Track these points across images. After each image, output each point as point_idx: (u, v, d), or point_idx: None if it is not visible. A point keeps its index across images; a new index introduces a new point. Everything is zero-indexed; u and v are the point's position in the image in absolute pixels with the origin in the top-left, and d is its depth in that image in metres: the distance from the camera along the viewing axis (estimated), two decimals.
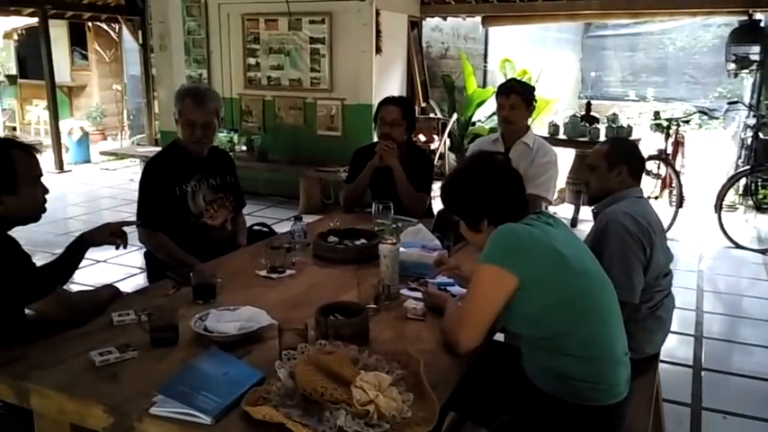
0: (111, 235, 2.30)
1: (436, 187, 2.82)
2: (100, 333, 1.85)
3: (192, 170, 2.81)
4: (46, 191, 1.95)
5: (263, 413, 1.37)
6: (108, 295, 2.08)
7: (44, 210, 1.96)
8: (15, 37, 11.19)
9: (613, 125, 6.08)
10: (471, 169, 1.90)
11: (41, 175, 1.94)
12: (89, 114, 11.78)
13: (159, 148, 7.44)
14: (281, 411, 1.37)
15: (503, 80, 7.33)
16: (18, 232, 1.89)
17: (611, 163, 2.43)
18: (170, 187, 2.75)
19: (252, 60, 7.08)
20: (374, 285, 2.07)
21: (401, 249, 2.25)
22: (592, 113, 6.33)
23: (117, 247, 2.33)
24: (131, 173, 8.53)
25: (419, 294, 2.11)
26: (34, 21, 9.71)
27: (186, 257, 2.66)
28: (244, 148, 7.01)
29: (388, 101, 3.34)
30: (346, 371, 1.41)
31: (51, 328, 1.84)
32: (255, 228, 3.28)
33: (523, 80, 4.94)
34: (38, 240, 5.25)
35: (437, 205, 3.51)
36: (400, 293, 2.14)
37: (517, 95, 3.28)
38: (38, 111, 11.55)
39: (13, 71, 11.97)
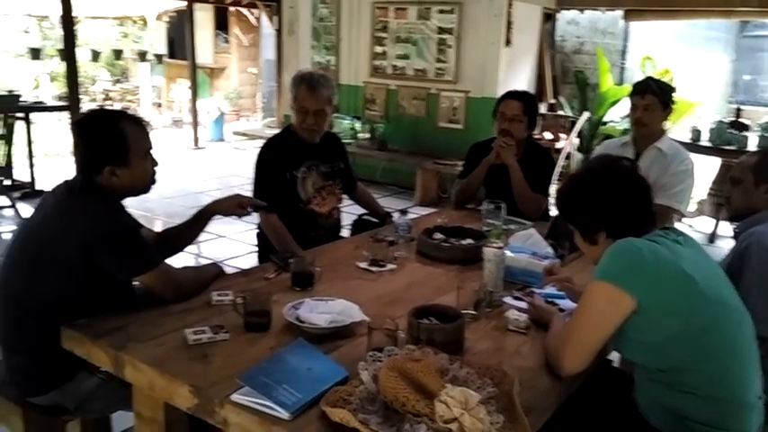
0: (237, 206, 2.34)
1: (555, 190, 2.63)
2: (198, 311, 1.88)
3: (303, 156, 2.82)
4: (155, 163, 1.99)
5: (340, 416, 1.30)
6: (212, 274, 2.11)
7: (154, 181, 2.00)
8: (166, 19, 11.98)
9: (766, 134, 5.46)
10: (591, 174, 1.72)
11: (151, 147, 1.98)
12: (227, 95, 12.43)
13: None
14: (358, 417, 1.30)
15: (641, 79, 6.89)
16: (152, 203, 1.95)
17: (759, 177, 2.13)
18: (281, 172, 2.77)
19: (379, 49, 7.10)
20: (476, 290, 1.94)
21: (508, 254, 2.10)
22: (741, 120, 5.73)
23: (240, 217, 2.37)
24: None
25: (524, 305, 1.95)
26: (183, 4, 10.37)
27: (292, 244, 2.67)
28: (366, 135, 7.05)
29: (510, 95, 3.17)
30: (432, 382, 1.31)
31: (155, 301, 1.89)
32: (364, 217, 3.24)
33: (663, 80, 4.54)
34: (170, 212, 5.60)
35: (555, 209, 3.33)
36: (503, 302, 2.00)
37: (653, 96, 2.99)
38: (181, 89, 12.35)
39: (163, 51, 12.85)
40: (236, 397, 1.41)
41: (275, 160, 2.78)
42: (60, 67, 12.17)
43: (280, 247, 2.69)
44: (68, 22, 5.88)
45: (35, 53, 7.95)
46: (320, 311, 1.80)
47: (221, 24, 12.82)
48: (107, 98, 11.65)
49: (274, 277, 2.18)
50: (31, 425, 1.89)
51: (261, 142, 9.68)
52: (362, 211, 3.27)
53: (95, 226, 1.79)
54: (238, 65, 13.02)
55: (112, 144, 1.85)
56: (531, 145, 3.27)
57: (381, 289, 2.14)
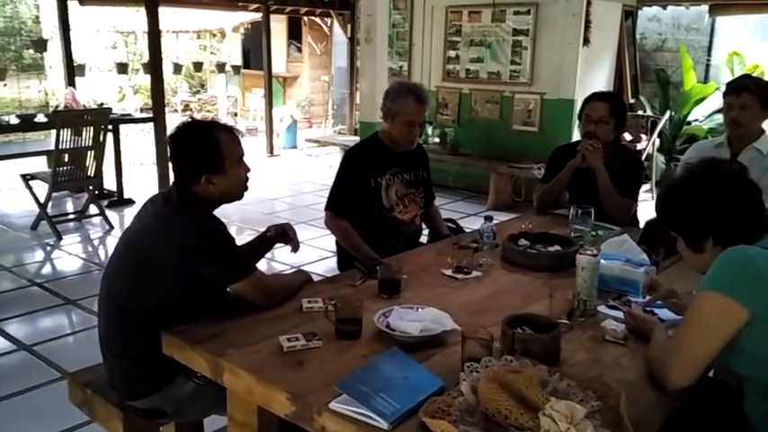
0: (284, 235, 2.31)
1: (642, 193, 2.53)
2: (290, 318, 1.90)
3: (388, 164, 2.83)
4: (248, 169, 2.03)
5: (441, 428, 1.28)
6: (300, 281, 2.14)
7: (246, 188, 2.04)
8: (242, 31, 12.34)
9: None
10: (697, 179, 1.63)
11: (244, 154, 2.02)
12: (299, 103, 12.68)
13: (357, 138, 7.83)
14: (459, 429, 1.27)
15: (728, 76, 6.54)
16: (228, 209, 2.00)
17: None
18: (365, 179, 2.78)
19: (452, 53, 7.06)
20: (568, 299, 1.88)
21: (602, 262, 2.03)
22: None
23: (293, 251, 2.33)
24: (331, 160, 9.00)
25: (620, 314, 1.88)
26: (258, 16, 10.65)
27: (365, 248, 2.69)
28: (437, 140, 7.02)
29: (596, 96, 3.07)
30: (535, 395, 1.28)
31: (247, 307, 1.93)
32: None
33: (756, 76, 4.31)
34: (246, 218, 5.75)
35: (643, 213, 3.20)
36: (597, 311, 1.93)
37: (750, 94, 2.83)
38: (256, 99, 12.69)
39: (238, 62, 13.25)
40: (334, 405, 1.42)
41: (360, 167, 2.79)
42: (143, 79, 12.78)
43: (353, 250, 2.71)
44: (155, 37, 6.14)
45: (122, 68, 8.35)
46: (411, 319, 1.79)
47: (294, 34, 13.11)
48: (186, 108, 12.11)
49: (360, 284, 2.18)
50: (131, 428, 1.96)
51: (331, 149, 9.76)
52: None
53: (193, 236, 1.84)
54: (310, 73, 13.25)
55: (208, 154, 1.91)
56: (619, 147, 3.16)
57: (468, 297, 2.11)
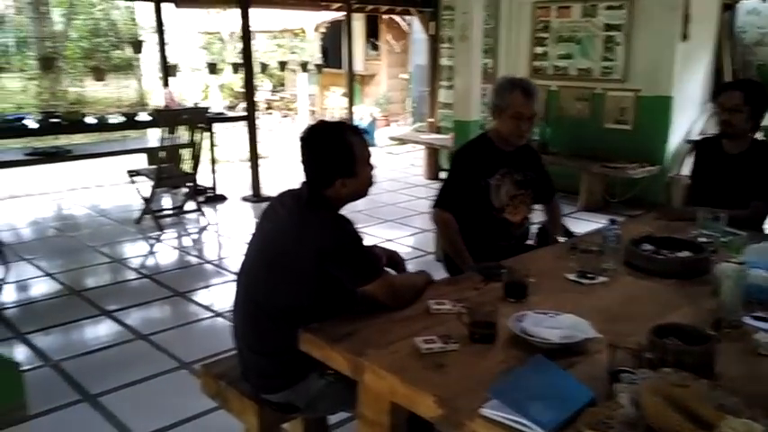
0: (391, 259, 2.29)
1: None
2: (420, 319, 1.91)
3: (498, 164, 2.80)
4: (373, 167, 2.05)
5: None
6: (423, 281, 2.15)
7: (372, 185, 2.07)
8: (322, 30, 12.52)
9: None
10: None
11: (371, 154, 2.05)
12: (377, 101, 12.76)
13: (441, 136, 7.81)
14: None
15: None
16: None
17: None
18: (475, 179, 2.77)
19: (539, 49, 6.93)
20: (709, 309, 1.81)
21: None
22: None
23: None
24: (412, 158, 9.02)
25: None
26: (339, 15, 10.77)
27: (461, 248, 2.69)
28: None
29: (730, 85, 3.05)
30: (707, 411, 1.24)
31: (375, 307, 1.95)
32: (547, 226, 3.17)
33: None
34: None
35: None
36: (743, 322, 1.84)
37: None
38: (334, 97, 12.86)
39: (317, 61, 13.46)
40: (486, 411, 1.41)
41: (471, 167, 2.79)
42: (227, 78, 13.17)
43: (451, 248, 2.72)
44: (246, 37, 6.32)
45: (212, 68, 8.63)
46: (548, 326, 1.77)
47: (371, 32, 13.19)
48: (269, 107, 12.40)
49: (483, 287, 2.18)
50: (265, 420, 2.03)
51: (411, 147, 9.70)
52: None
53: (329, 239, 1.88)
54: (387, 71, 13.31)
55: (342, 158, 1.94)
56: (757, 143, 3.01)
57: (597, 303, 2.06)
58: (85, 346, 3.50)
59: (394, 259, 2.29)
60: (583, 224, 5.14)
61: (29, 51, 10.90)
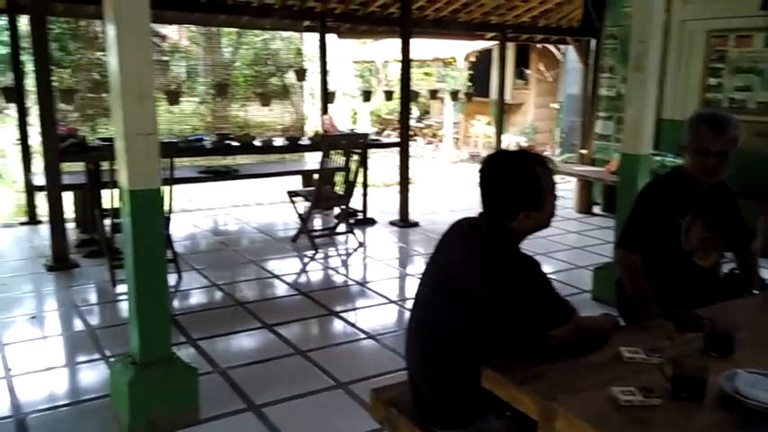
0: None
1: None
2: (612, 367, 1.78)
3: (690, 203, 2.58)
4: (557, 198, 1.95)
5: None
6: (611, 325, 2.01)
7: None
8: (472, 59, 12.58)
9: None
10: None
11: (556, 184, 1.95)
12: (523, 130, 12.56)
13: (595, 168, 7.48)
14: None
15: None
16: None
17: None
18: (665, 218, 2.57)
19: (713, 80, 6.45)
20: None
21: None
22: None
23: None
24: (560, 190, 8.69)
25: None
26: (490, 44, 10.77)
27: (649, 295, 2.48)
28: None
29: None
30: None
31: (560, 349, 1.84)
32: (736, 271, 2.87)
33: None
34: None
35: None
36: None
37: None
38: (480, 126, 12.82)
39: (464, 89, 13.53)
40: None
41: (662, 204, 2.58)
42: (375, 105, 13.60)
43: (635, 293, 2.52)
44: (405, 67, 6.46)
45: (366, 95, 8.92)
46: (765, 388, 1.57)
47: (521, 61, 13.06)
48: (414, 134, 12.59)
49: (677, 337, 1.99)
50: None
51: (560, 179, 9.38)
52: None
53: (515, 280, 1.78)
54: (536, 100, 13.08)
55: (528, 190, 1.85)
56: None
57: None
58: (249, 356, 3.67)
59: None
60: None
61: (199, 78, 11.94)
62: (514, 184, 1.87)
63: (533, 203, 1.87)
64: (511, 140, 11.50)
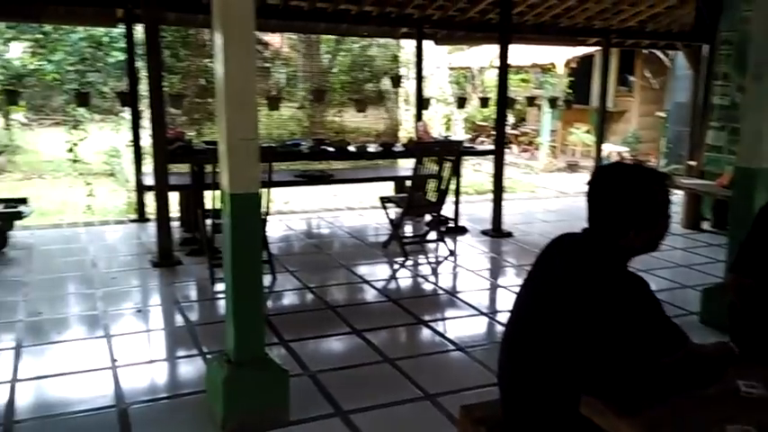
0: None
1: None
2: (726, 402, 1.65)
3: None
4: (670, 217, 1.83)
5: None
6: (724, 355, 1.85)
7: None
8: (572, 65, 12.19)
9: None
10: None
11: (671, 202, 1.83)
12: (624, 139, 12.03)
13: (705, 182, 7.02)
14: None
15: None
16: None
17: None
18: None
19: None
20: None
21: None
22: None
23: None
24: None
25: None
26: (591, 50, 10.39)
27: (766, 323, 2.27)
28: None
29: None
30: None
31: (672, 380, 1.71)
32: None
33: None
34: None
35: None
36: None
37: None
38: (578, 134, 12.41)
39: (562, 96, 13.13)
40: None
41: None
42: (469, 111, 13.46)
43: (747, 318, 2.32)
44: (503, 73, 6.34)
45: (461, 101, 8.84)
46: None
47: (625, 68, 12.52)
48: (509, 141, 12.37)
49: None
50: None
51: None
52: None
53: (623, 299, 1.67)
54: (639, 108, 12.50)
55: (643, 206, 1.75)
56: None
57: None
58: (338, 360, 3.70)
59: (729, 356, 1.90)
60: None
61: (298, 84, 12.26)
62: (628, 199, 1.77)
63: (646, 222, 1.76)
64: (612, 150, 11.04)
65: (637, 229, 1.76)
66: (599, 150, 8.84)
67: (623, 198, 1.78)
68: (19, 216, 5.82)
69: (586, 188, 1.88)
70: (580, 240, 1.87)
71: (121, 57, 7.86)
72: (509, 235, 6.56)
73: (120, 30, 7.24)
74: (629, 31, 8.40)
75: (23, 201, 6.18)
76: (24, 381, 3.33)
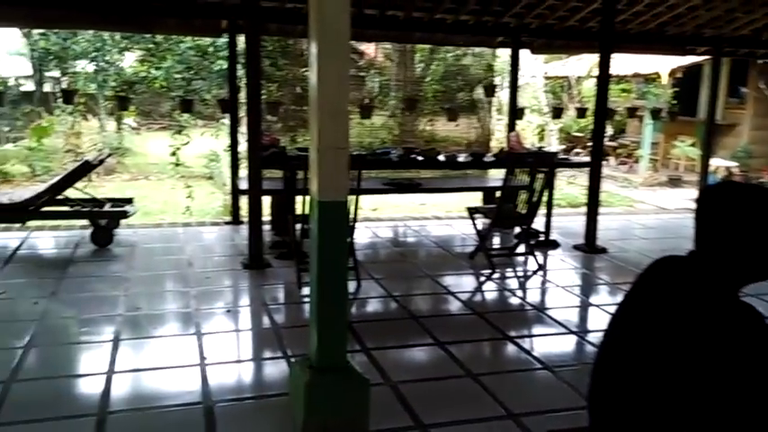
0: None
1: None
2: None
3: None
4: None
5: None
6: None
7: None
8: (678, 75, 11.60)
9: None
10: None
11: None
12: (733, 154, 11.28)
13: None
14: None
15: None
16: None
17: None
18: None
19: None
20: None
21: None
22: None
23: None
24: None
25: None
26: (699, 59, 9.82)
27: None
28: None
29: None
30: None
31: None
32: None
33: None
34: None
35: None
36: None
37: None
38: (682, 147, 11.76)
39: (666, 107, 12.51)
40: None
41: None
42: (564, 122, 13.07)
43: None
44: (603, 84, 6.09)
45: (557, 112, 8.61)
46: None
47: (736, 78, 11.75)
48: (607, 154, 11.90)
49: None
50: None
51: None
52: None
53: (747, 344, 1.51)
54: (752, 121, 11.69)
55: (760, 232, 1.59)
56: None
57: None
58: (420, 372, 3.65)
59: None
60: None
61: (391, 93, 12.37)
62: (743, 223, 1.60)
63: (761, 248, 1.59)
64: (720, 164, 10.38)
65: (751, 255, 1.60)
66: (705, 165, 8.34)
67: (744, 223, 1.62)
68: (124, 215, 6.18)
69: (694, 207, 1.74)
70: (686, 265, 1.71)
71: (225, 65, 8.21)
72: (603, 251, 6.28)
73: (224, 39, 7.56)
74: (743, 39, 7.87)
75: (129, 201, 6.56)
76: (120, 373, 3.50)
